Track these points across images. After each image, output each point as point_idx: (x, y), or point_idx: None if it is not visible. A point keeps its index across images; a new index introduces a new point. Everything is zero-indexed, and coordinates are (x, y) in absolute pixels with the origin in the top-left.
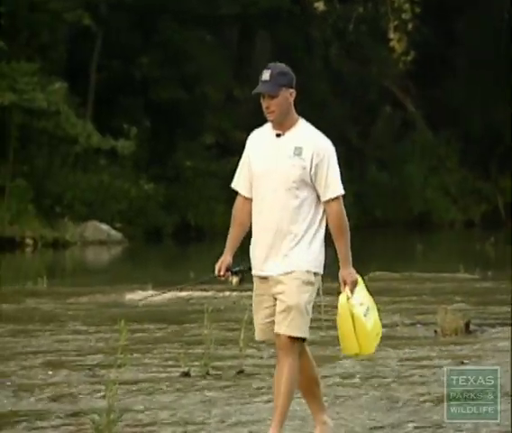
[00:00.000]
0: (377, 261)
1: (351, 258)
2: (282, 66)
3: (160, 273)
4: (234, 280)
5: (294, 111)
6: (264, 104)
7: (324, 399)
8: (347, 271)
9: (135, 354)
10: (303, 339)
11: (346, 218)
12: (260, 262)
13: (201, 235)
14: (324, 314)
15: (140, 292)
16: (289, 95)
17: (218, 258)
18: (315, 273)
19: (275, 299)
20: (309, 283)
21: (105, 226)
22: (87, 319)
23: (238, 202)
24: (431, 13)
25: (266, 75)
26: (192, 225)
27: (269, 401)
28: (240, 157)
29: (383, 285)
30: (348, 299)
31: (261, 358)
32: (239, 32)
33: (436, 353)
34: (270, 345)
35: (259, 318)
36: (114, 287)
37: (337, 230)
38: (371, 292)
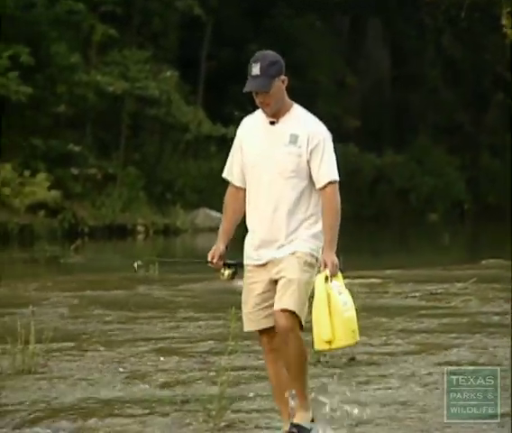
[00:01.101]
0: (490, 248)
1: (335, 244)
2: (270, 54)
3: None
4: (226, 272)
5: (287, 97)
6: (258, 99)
7: None
8: (329, 255)
9: (246, 341)
10: (300, 327)
11: (339, 204)
12: (257, 251)
13: None
14: None
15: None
16: (282, 83)
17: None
18: (317, 259)
19: (271, 283)
20: (311, 265)
21: (215, 213)
22: (198, 306)
23: (230, 192)
24: None
25: (256, 69)
26: None
27: (379, 389)
28: (350, 144)
29: (496, 272)
30: (326, 279)
31: (373, 346)
32: (350, 20)
33: None
34: (382, 332)
35: (248, 307)
36: None
37: (328, 212)
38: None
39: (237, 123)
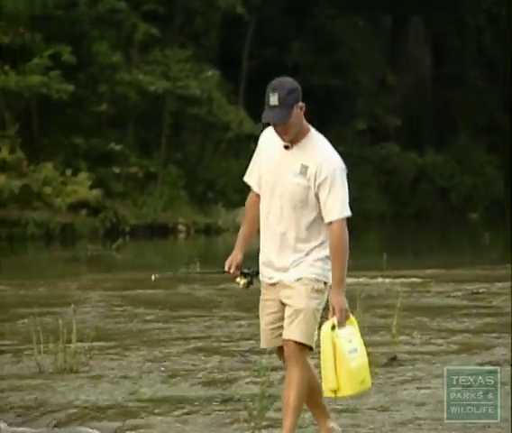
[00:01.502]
0: None
1: (344, 284)
2: (288, 82)
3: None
4: (242, 281)
5: (304, 122)
6: (276, 129)
7: None
8: (338, 297)
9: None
10: (310, 348)
11: (347, 242)
12: (267, 269)
13: (354, 222)
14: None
15: None
16: (300, 110)
17: (372, 244)
18: (325, 283)
19: (281, 304)
20: (319, 291)
21: None
22: (239, 305)
23: (250, 198)
24: None
25: (274, 99)
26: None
27: (420, 388)
28: (391, 142)
29: None
30: (333, 328)
31: (414, 345)
32: (392, 19)
33: None
34: (424, 332)
35: (262, 324)
36: None
37: (335, 252)
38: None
39: None
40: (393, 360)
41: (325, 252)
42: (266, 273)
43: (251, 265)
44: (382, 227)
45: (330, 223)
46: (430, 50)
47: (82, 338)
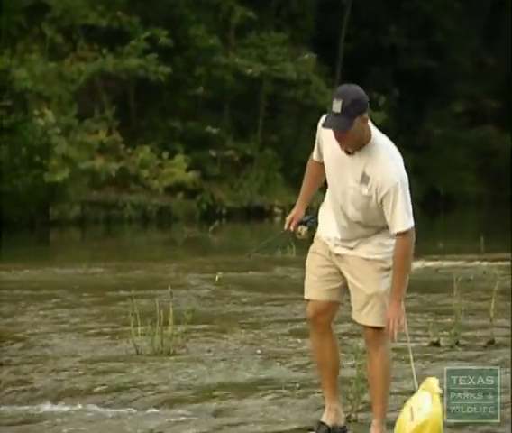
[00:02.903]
0: None
1: (403, 296)
2: (354, 91)
3: None
4: (303, 230)
5: (368, 129)
6: (335, 134)
7: None
8: (394, 310)
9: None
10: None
11: (411, 254)
12: (332, 237)
13: (450, 205)
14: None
15: None
16: (362, 122)
17: (470, 226)
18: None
19: (339, 270)
20: (388, 269)
21: None
22: None
23: (311, 160)
24: None
25: (337, 106)
26: (441, 194)
27: None
28: (488, 125)
29: None
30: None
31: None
32: (491, 1)
33: None
34: None
35: (310, 275)
36: None
37: (398, 262)
38: None
39: (375, 105)
40: (491, 343)
41: (391, 240)
42: (329, 235)
43: (310, 212)
44: (480, 210)
45: (395, 234)
46: None
47: (179, 321)
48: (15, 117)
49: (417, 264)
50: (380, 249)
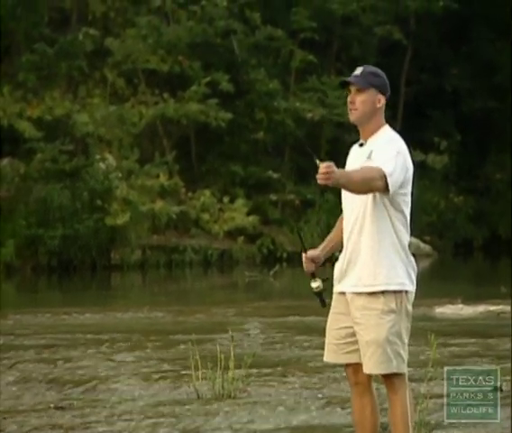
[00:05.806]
0: None
1: (346, 181)
2: (376, 68)
3: (470, 287)
4: (314, 285)
5: (379, 117)
6: (349, 98)
7: None
8: (333, 171)
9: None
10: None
11: (373, 180)
12: (339, 275)
13: None
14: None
15: (450, 306)
16: (377, 99)
17: None
18: (396, 291)
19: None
20: (390, 311)
21: (414, 239)
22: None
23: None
24: None
25: (357, 71)
26: (502, 239)
27: None
28: None
29: None
30: None
31: None
32: None
33: None
34: None
35: (330, 338)
36: (424, 300)
37: (363, 171)
38: None
39: (437, 149)
40: None
41: (395, 249)
42: (338, 280)
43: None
44: None
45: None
46: None
47: (240, 365)
48: (77, 161)
49: (480, 308)
50: (377, 274)
